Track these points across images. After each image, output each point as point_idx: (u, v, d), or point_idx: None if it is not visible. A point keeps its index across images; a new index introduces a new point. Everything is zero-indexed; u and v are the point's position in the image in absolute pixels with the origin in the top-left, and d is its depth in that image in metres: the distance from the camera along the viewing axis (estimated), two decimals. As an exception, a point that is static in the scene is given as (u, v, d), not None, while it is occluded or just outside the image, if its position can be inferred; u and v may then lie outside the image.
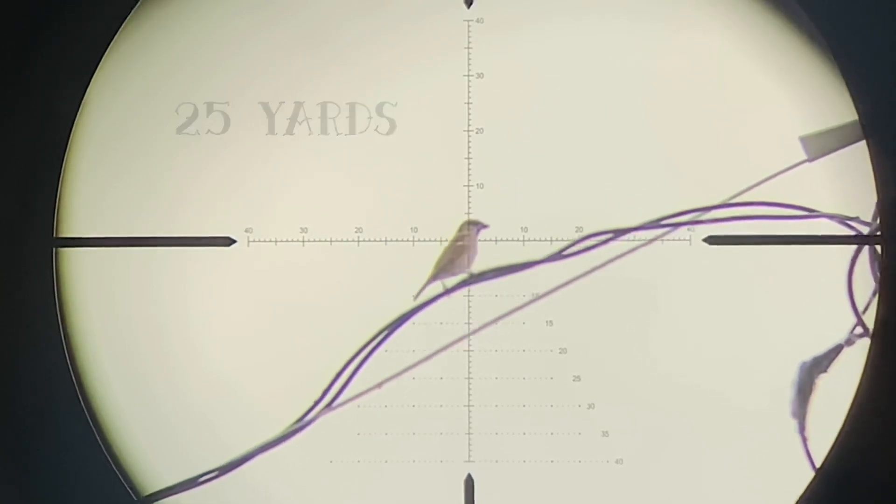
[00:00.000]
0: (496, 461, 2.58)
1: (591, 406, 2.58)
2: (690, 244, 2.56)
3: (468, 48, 2.59)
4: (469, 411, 2.58)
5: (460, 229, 2.55)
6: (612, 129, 2.58)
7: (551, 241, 2.57)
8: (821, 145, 2.50)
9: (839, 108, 2.50)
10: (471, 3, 2.59)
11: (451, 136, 2.59)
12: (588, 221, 2.57)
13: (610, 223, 2.56)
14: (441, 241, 2.58)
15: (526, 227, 2.58)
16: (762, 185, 2.53)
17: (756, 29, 2.55)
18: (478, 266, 2.56)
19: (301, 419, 2.54)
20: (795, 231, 2.54)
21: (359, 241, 2.59)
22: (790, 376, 2.54)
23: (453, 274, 2.55)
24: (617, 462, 2.57)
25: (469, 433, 2.58)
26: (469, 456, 2.58)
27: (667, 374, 2.57)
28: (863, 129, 2.47)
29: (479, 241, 2.57)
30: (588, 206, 2.57)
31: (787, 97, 2.54)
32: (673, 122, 2.57)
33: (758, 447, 2.54)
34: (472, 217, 2.56)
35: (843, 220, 2.51)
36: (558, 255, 2.55)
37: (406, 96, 2.59)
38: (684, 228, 2.55)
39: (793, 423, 2.52)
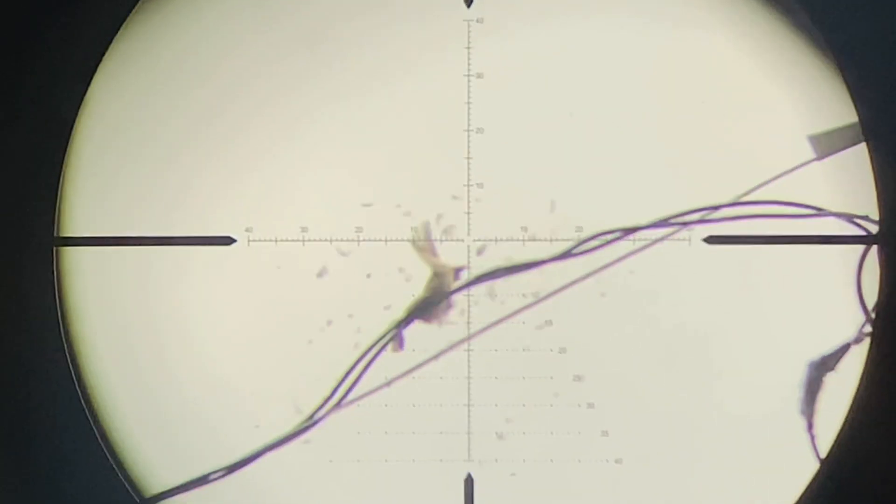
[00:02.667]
0: (496, 460, 2.58)
1: (590, 406, 2.58)
2: (690, 244, 2.56)
3: (468, 48, 2.59)
4: (469, 410, 2.59)
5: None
6: (612, 129, 2.58)
7: (551, 240, 2.57)
8: (829, 144, 2.50)
9: (840, 109, 2.51)
10: (471, 3, 2.59)
11: (451, 136, 2.59)
12: (589, 222, 2.57)
13: (611, 223, 2.57)
14: (441, 240, 2.58)
15: (526, 227, 2.58)
16: (768, 185, 2.53)
17: (757, 29, 2.55)
18: (485, 265, 2.57)
19: (311, 417, 2.55)
20: (801, 230, 2.54)
21: (359, 241, 2.59)
22: (792, 376, 2.55)
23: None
24: (616, 462, 2.57)
25: (469, 432, 2.58)
26: (469, 455, 2.59)
27: (666, 374, 2.57)
28: (863, 130, 2.47)
29: (475, 241, 2.59)
30: (588, 207, 2.57)
31: (789, 97, 2.54)
32: (673, 123, 2.57)
33: (759, 447, 2.54)
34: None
35: (851, 218, 2.51)
36: (566, 255, 2.55)
37: (405, 96, 2.59)
38: (684, 230, 2.56)
39: (801, 421, 2.52)
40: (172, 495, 2.55)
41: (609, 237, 2.54)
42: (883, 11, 2.46)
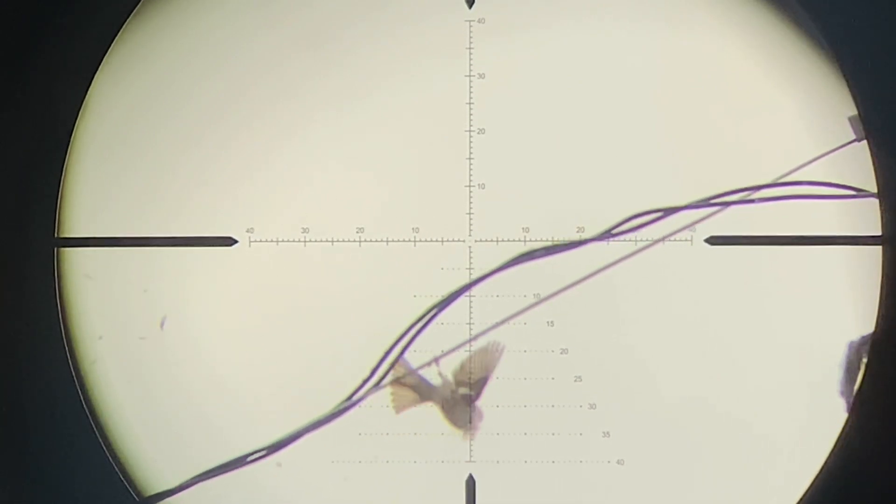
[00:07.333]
0: (497, 461, 2.58)
1: (592, 406, 2.58)
2: (692, 244, 2.56)
3: (469, 48, 2.59)
4: (470, 412, 2.58)
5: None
6: (613, 130, 2.58)
7: (553, 241, 2.57)
8: None
9: (842, 109, 2.51)
10: (472, 4, 2.59)
11: (453, 136, 2.59)
12: (590, 222, 2.57)
13: (611, 224, 2.56)
14: (442, 241, 2.58)
15: (527, 228, 2.58)
16: (807, 167, 2.52)
17: (757, 29, 2.56)
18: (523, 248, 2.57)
19: (350, 397, 2.54)
20: (802, 231, 2.54)
21: (360, 242, 2.59)
22: (792, 376, 2.55)
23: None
24: (618, 462, 2.57)
25: (470, 433, 2.58)
26: (470, 456, 2.58)
27: (668, 375, 2.57)
28: (864, 130, 2.47)
29: (478, 242, 2.58)
30: (589, 207, 2.57)
31: (790, 97, 2.55)
32: (674, 123, 2.57)
33: (760, 448, 2.54)
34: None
35: None
36: (607, 234, 2.54)
37: (407, 96, 2.59)
38: (686, 230, 2.56)
39: (840, 403, 2.51)
40: (175, 493, 2.55)
41: (650, 217, 2.53)
42: (883, 11, 2.46)
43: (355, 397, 2.53)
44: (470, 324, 2.58)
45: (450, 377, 2.56)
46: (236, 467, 2.54)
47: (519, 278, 2.58)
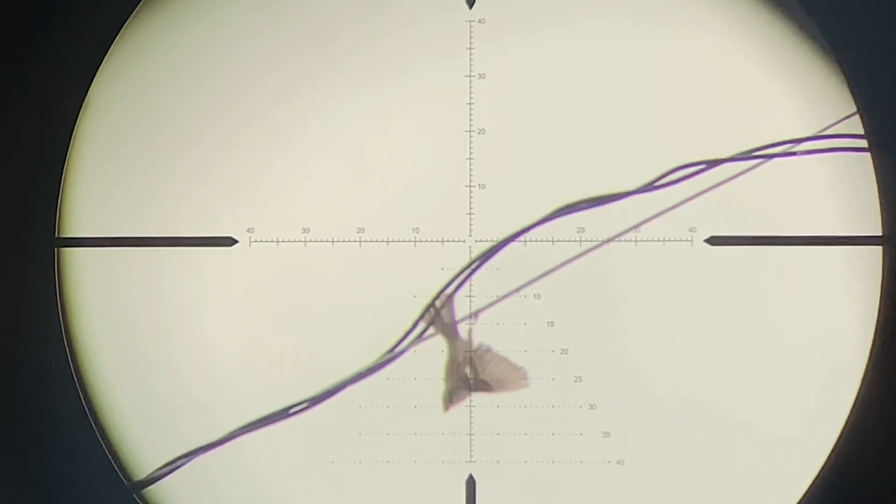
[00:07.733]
0: (497, 462, 2.58)
1: (592, 407, 2.58)
2: (692, 245, 2.56)
3: (470, 49, 2.59)
4: (470, 412, 2.58)
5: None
6: (613, 130, 2.58)
7: (553, 241, 2.57)
8: None
9: (842, 109, 2.51)
10: (472, 4, 2.59)
11: (453, 136, 2.59)
12: (591, 222, 2.57)
13: (611, 224, 2.56)
14: (442, 241, 2.58)
15: (528, 228, 2.58)
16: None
17: (758, 30, 2.56)
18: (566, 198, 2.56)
19: (393, 349, 2.54)
20: (804, 231, 2.54)
21: (360, 242, 2.59)
22: (794, 377, 2.55)
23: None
24: (618, 462, 2.57)
25: (470, 434, 2.58)
26: (470, 456, 2.58)
27: (668, 375, 2.57)
28: (864, 130, 2.48)
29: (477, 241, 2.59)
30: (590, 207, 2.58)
31: (790, 99, 2.55)
32: (674, 124, 2.57)
33: (761, 449, 2.55)
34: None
35: None
36: (650, 186, 2.53)
37: (407, 97, 2.59)
38: (686, 229, 2.56)
39: None
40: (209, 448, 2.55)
41: (694, 168, 2.51)
42: (883, 11, 2.46)
43: (398, 349, 2.53)
44: (470, 322, 2.58)
45: (473, 340, 2.55)
46: (278, 419, 2.54)
47: (519, 278, 2.58)
